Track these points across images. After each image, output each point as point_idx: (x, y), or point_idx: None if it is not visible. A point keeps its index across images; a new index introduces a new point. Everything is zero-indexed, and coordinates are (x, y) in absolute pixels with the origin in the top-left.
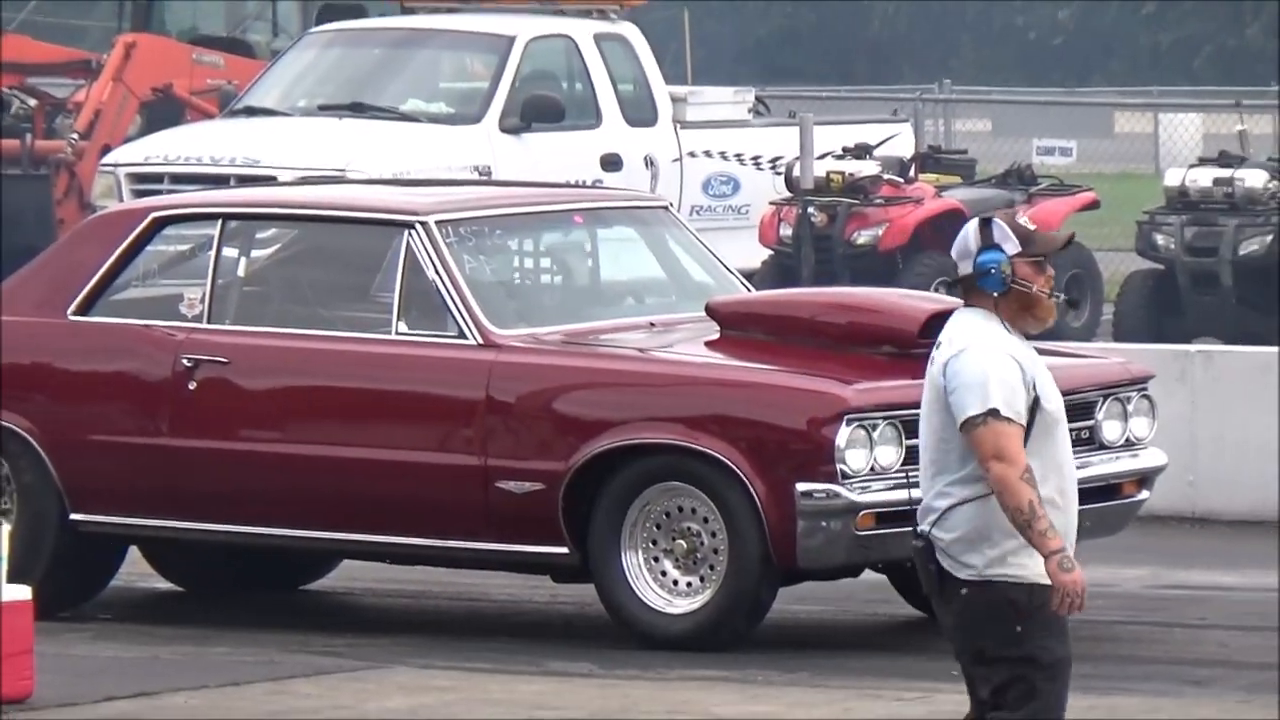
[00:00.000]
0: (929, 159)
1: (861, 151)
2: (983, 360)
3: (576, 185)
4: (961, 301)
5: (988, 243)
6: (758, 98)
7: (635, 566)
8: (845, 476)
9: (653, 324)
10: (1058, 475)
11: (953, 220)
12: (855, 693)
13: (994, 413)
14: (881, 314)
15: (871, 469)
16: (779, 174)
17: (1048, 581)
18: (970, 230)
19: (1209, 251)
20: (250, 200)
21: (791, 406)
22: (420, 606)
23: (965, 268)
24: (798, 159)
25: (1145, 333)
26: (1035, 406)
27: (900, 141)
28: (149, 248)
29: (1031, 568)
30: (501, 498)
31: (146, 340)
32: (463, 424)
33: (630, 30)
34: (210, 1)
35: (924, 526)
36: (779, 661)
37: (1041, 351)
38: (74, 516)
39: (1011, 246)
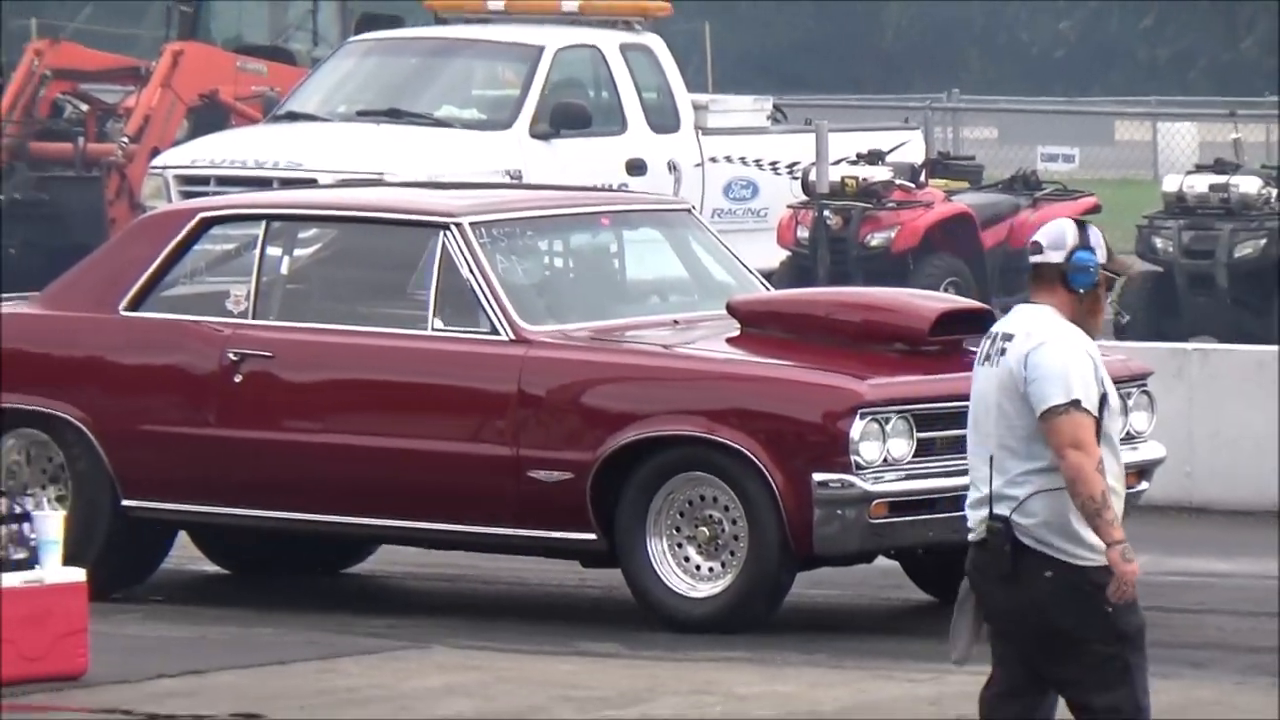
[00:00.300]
0: (938, 165)
1: (874, 158)
2: (1065, 353)
3: (603, 189)
4: (974, 302)
5: (1084, 243)
6: (776, 106)
7: (660, 552)
8: (859, 467)
9: (676, 321)
10: (1115, 464)
11: (961, 224)
12: (869, 673)
13: (1076, 403)
14: (894, 313)
15: (884, 460)
16: (796, 179)
17: None
18: (1068, 227)
19: (1205, 254)
20: (293, 202)
21: (808, 401)
22: (456, 589)
23: (1055, 257)
24: (814, 164)
25: (1145, 331)
26: (1102, 401)
27: (911, 148)
28: (196, 247)
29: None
30: (533, 486)
31: (194, 335)
32: (496, 416)
33: (654, 41)
34: (254, 11)
35: (1001, 510)
36: (797, 643)
37: None
38: (126, 503)
39: (1100, 255)
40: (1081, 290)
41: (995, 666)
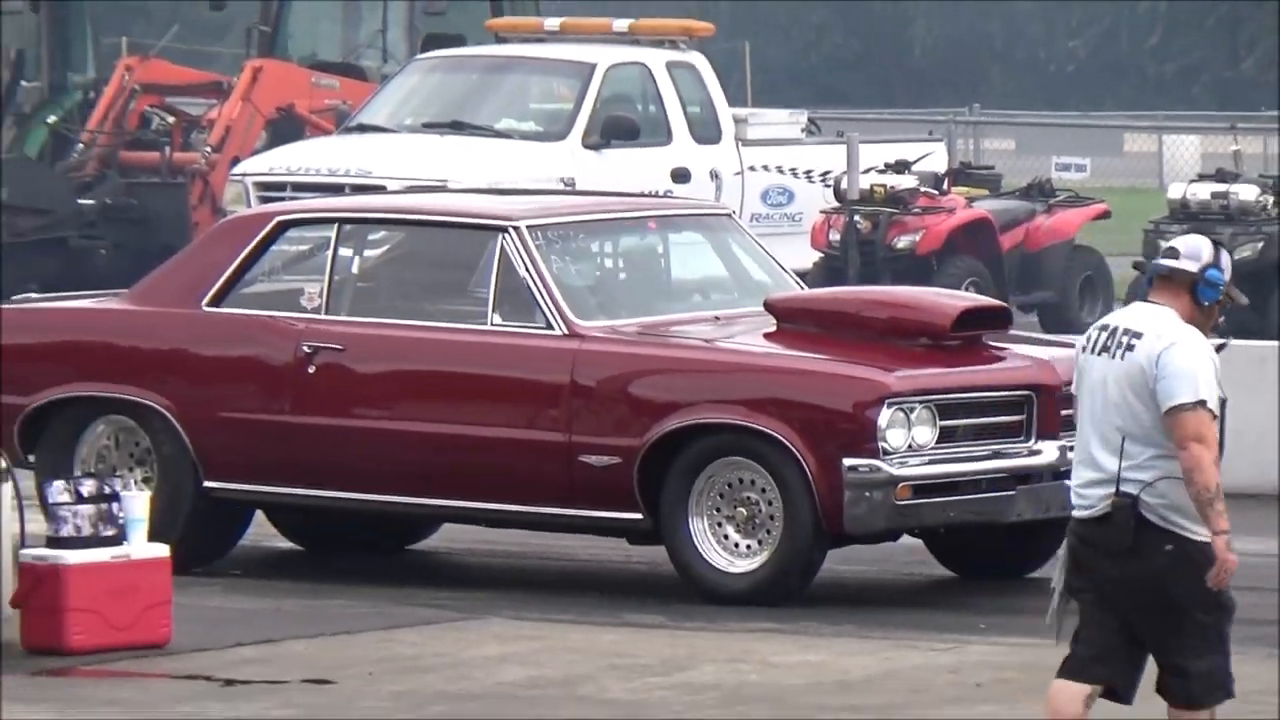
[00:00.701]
0: (960, 174)
1: (901, 167)
2: (1195, 355)
3: (650, 195)
4: (992, 300)
5: (1216, 262)
6: (810, 119)
7: (701, 531)
8: (886, 453)
9: (717, 317)
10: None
11: (981, 228)
12: (894, 643)
13: (1202, 403)
14: (918, 310)
15: (910, 446)
16: (828, 186)
17: None
18: (1205, 244)
19: None
20: (363, 206)
21: (839, 391)
22: (512, 565)
23: (1191, 266)
24: (845, 173)
25: None
26: (1222, 404)
27: (935, 158)
28: (273, 248)
29: None
30: (584, 470)
31: (271, 329)
32: (549, 405)
33: (698, 59)
34: (328, 30)
35: (1129, 490)
36: (827, 615)
37: (1059, 344)
38: (207, 484)
39: (1227, 275)
40: (1206, 303)
41: (1087, 632)
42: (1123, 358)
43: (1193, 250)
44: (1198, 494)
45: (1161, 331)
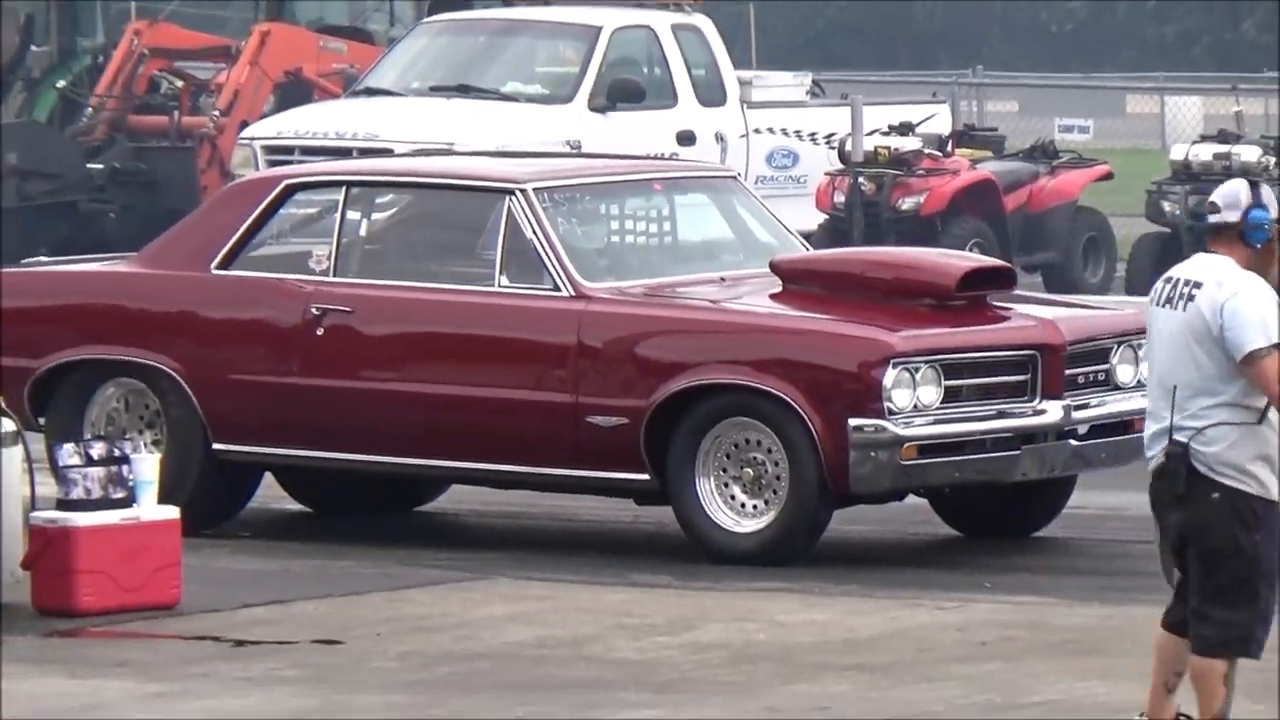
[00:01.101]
0: (964, 136)
1: (905, 129)
2: (1259, 300)
3: (656, 158)
4: (996, 261)
5: (1257, 202)
6: (814, 81)
7: (708, 491)
8: (891, 413)
9: (723, 279)
10: None
11: (985, 189)
12: (900, 602)
13: (1278, 346)
14: (923, 270)
15: (915, 406)
16: (833, 148)
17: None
18: (1242, 188)
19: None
20: (371, 170)
21: (845, 351)
22: (519, 526)
23: (1232, 216)
24: (849, 135)
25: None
26: None
27: (939, 120)
28: (282, 211)
29: (1271, 488)
30: (591, 430)
31: (279, 292)
32: (557, 366)
33: (703, 21)
34: None
35: (1180, 438)
36: (833, 575)
37: (1063, 304)
38: (216, 446)
39: (1274, 211)
40: (1258, 245)
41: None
42: (1184, 308)
43: (1231, 199)
44: None
45: (1222, 280)
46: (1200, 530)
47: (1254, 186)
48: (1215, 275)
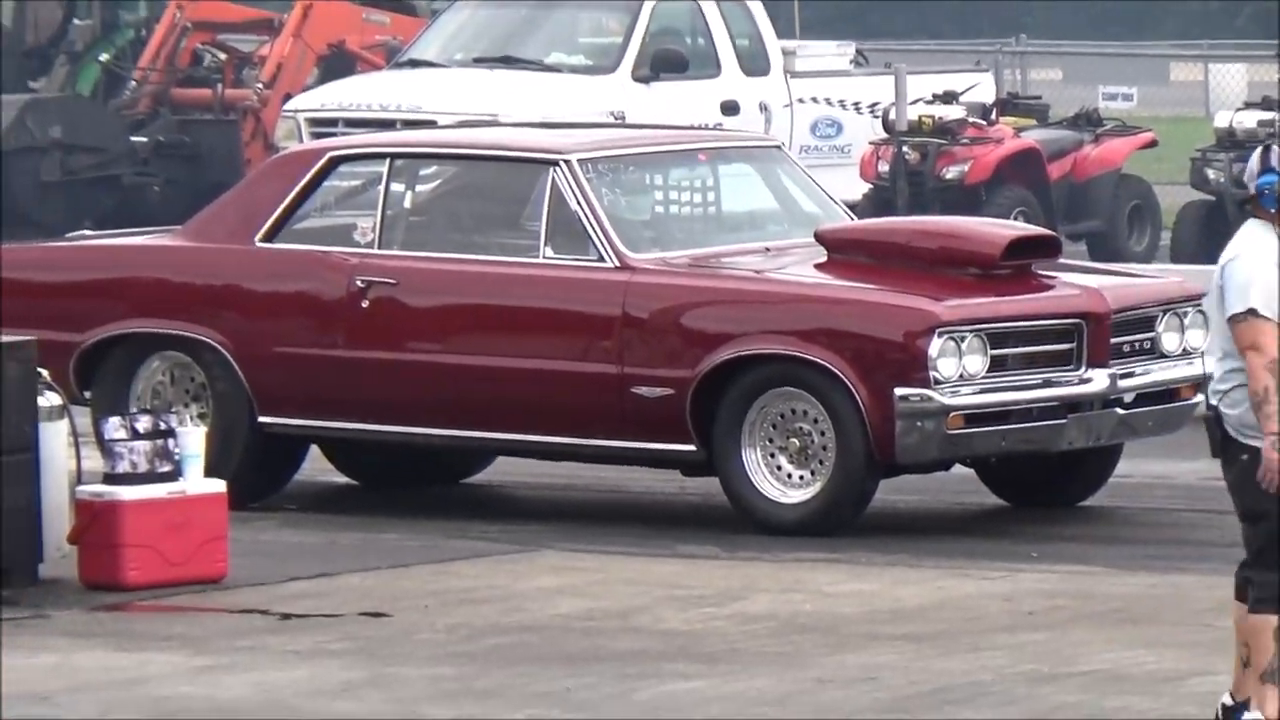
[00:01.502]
0: (1008, 104)
1: (948, 98)
2: (1249, 266)
3: (700, 128)
4: (1041, 230)
5: (1266, 166)
6: (858, 50)
7: (754, 462)
8: (937, 382)
9: (768, 249)
10: None
11: (1029, 158)
12: (947, 572)
13: (1253, 311)
14: (968, 239)
15: (960, 376)
16: (877, 118)
17: None
18: (1254, 157)
19: None
20: (415, 141)
21: (890, 321)
22: (565, 497)
23: (1250, 188)
24: (893, 104)
25: (1198, 255)
26: None
27: (982, 89)
28: (326, 183)
29: None
30: (636, 401)
31: (324, 264)
32: (602, 337)
33: None
34: None
35: (1213, 400)
36: (880, 545)
37: (1107, 273)
38: (262, 419)
39: None
40: (1274, 210)
41: None
42: (1219, 276)
43: (1249, 171)
44: (1250, 398)
45: (1232, 245)
46: (1235, 491)
47: (1265, 152)
48: (1234, 242)
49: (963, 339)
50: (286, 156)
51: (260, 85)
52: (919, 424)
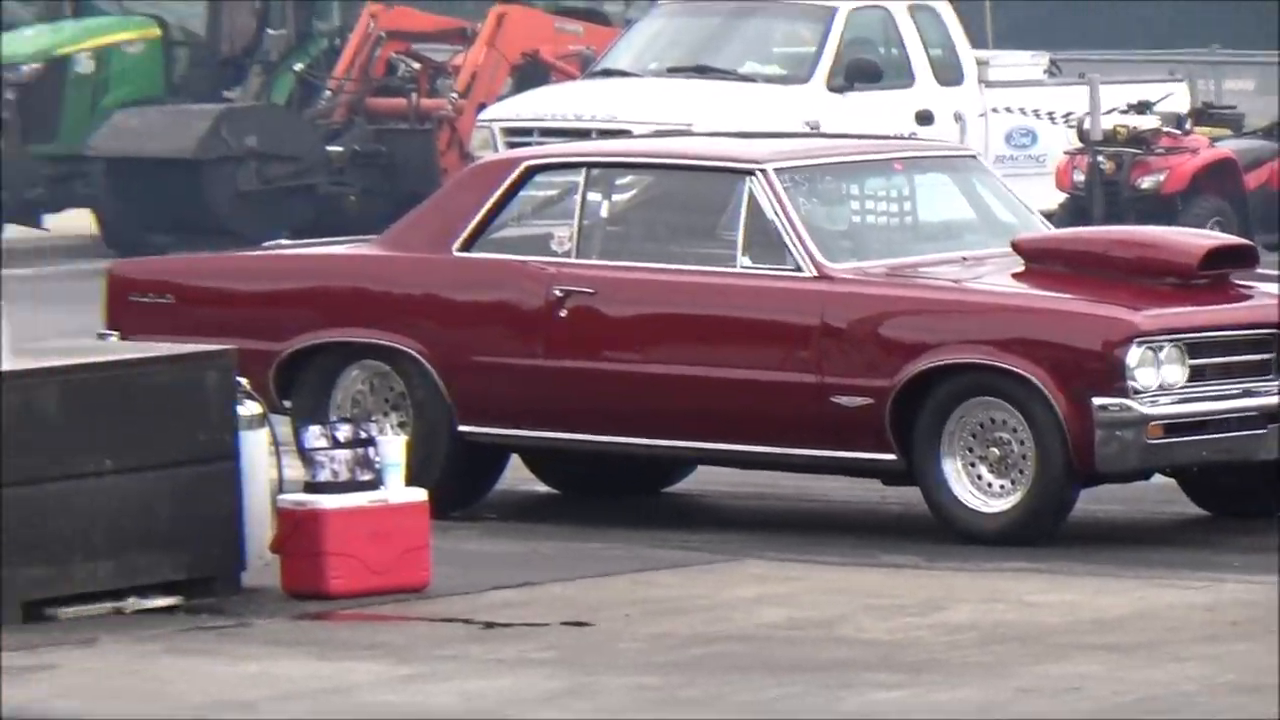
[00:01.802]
0: (1202, 114)
1: (1143, 107)
2: None
3: (895, 138)
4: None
5: None
6: (1051, 60)
7: (954, 471)
8: (1136, 392)
9: (965, 258)
10: None
11: (1225, 168)
12: (1148, 582)
13: None
14: (1165, 249)
15: (1159, 385)
16: (1071, 127)
17: None
18: None
19: None
20: (611, 151)
21: (1088, 330)
22: (766, 506)
23: None
24: (1088, 114)
25: None
26: None
27: (1177, 99)
28: (522, 193)
29: None
30: (836, 410)
31: (522, 274)
32: (800, 346)
33: (939, 2)
34: None
35: None
36: (1081, 554)
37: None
38: (462, 428)
39: None
40: None
41: None
42: None
43: None
44: None
45: None
46: None
47: None
48: None
49: (1161, 349)
50: (483, 166)
51: (455, 95)
52: (1118, 434)
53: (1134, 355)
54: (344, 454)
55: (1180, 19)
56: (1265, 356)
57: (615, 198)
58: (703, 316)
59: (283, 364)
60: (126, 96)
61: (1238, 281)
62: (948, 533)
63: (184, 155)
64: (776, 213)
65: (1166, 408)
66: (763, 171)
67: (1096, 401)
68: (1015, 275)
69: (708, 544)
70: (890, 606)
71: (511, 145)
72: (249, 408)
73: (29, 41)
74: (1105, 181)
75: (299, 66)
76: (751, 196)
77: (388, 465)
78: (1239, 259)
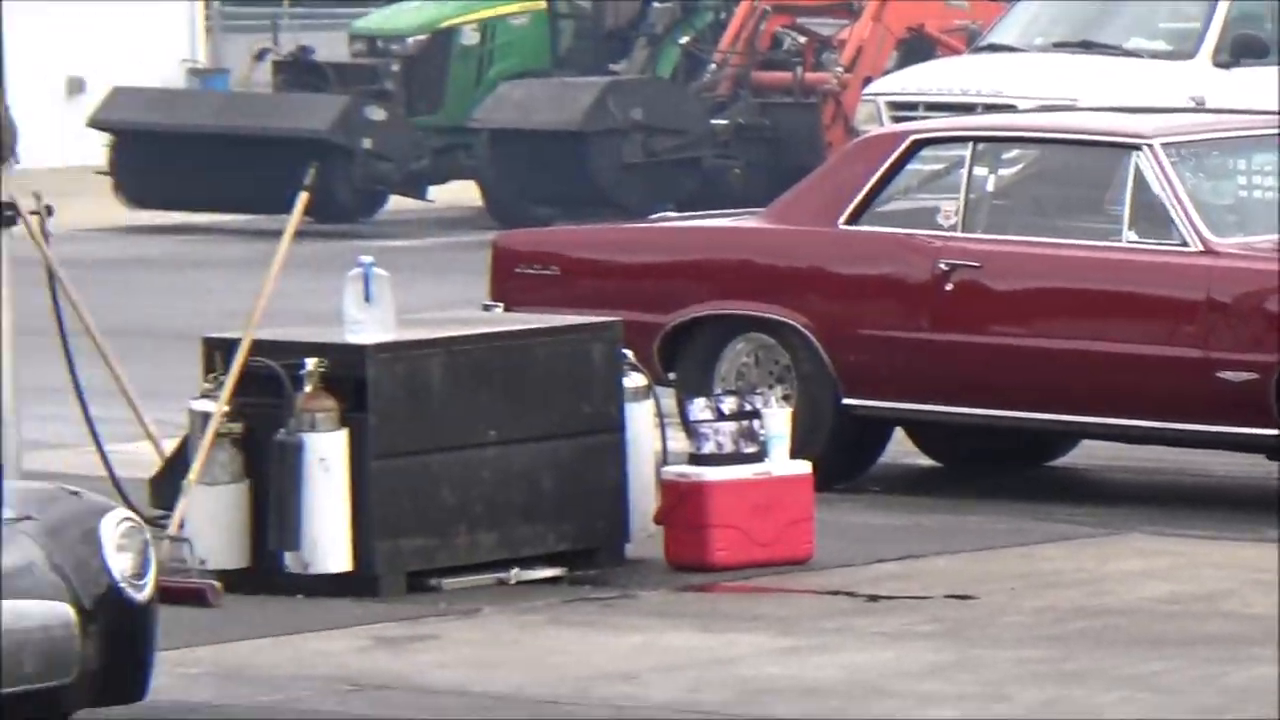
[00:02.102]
0: None
1: None
2: None
3: None
4: None
5: None
6: None
7: None
8: None
9: None
10: None
11: None
12: None
13: None
14: None
15: None
16: None
17: None
18: None
19: None
20: (996, 125)
21: None
22: (1150, 481)
23: None
24: None
25: None
26: None
27: None
28: (908, 167)
29: None
30: (1220, 386)
31: (907, 247)
32: (1186, 321)
33: None
34: None
35: None
36: None
37: None
38: (846, 401)
39: None
40: None
41: None
42: None
43: None
44: None
45: None
46: None
47: None
48: None
49: None
50: (869, 140)
51: (840, 69)
52: None
53: None
54: (729, 426)
55: None
56: None
57: (1001, 172)
58: (1088, 291)
59: (668, 336)
60: (511, 69)
61: None
62: None
63: (569, 127)
64: (1163, 187)
65: None
66: (1149, 146)
67: None
68: None
69: (1090, 518)
70: (1274, 582)
71: (896, 120)
72: (634, 380)
73: (415, 14)
74: None
75: (684, 39)
76: (1138, 171)
77: (772, 438)
78: None
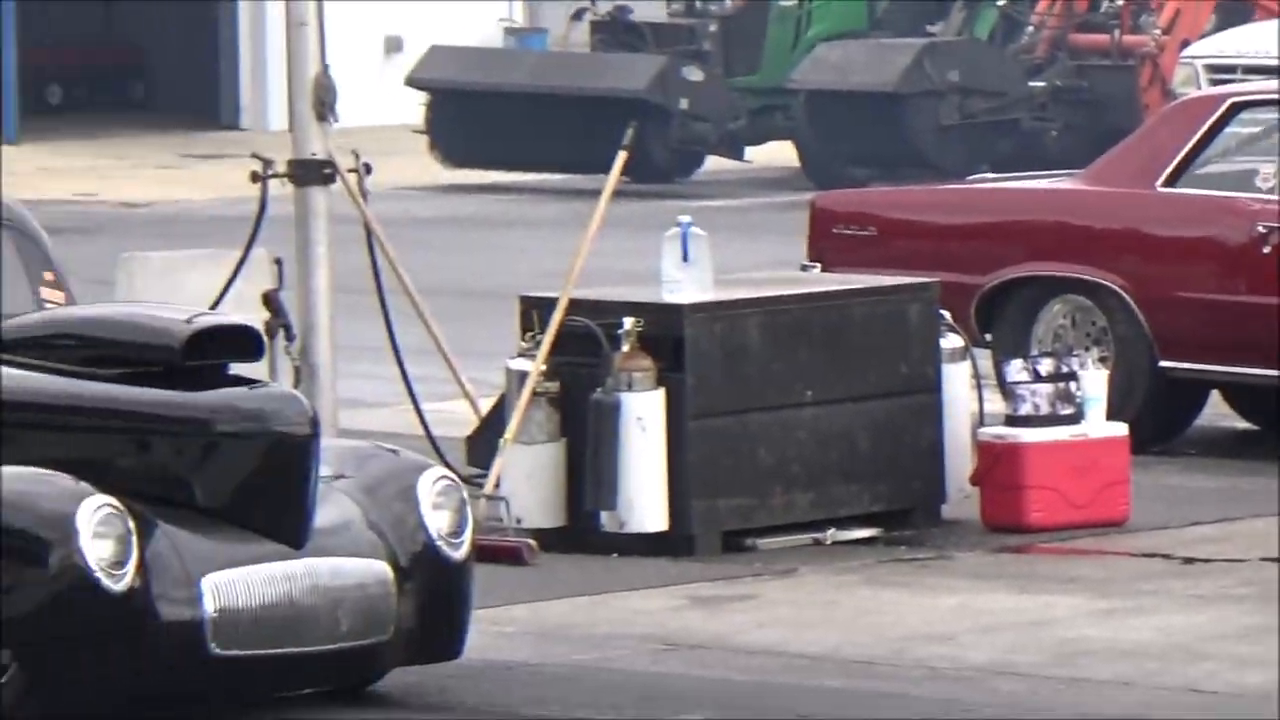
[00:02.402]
0: None
1: None
2: None
3: None
4: None
5: None
6: None
7: None
8: None
9: None
10: None
11: None
12: None
13: None
14: None
15: None
16: None
17: None
18: None
19: None
20: None
21: None
22: None
23: None
24: None
25: None
26: None
27: None
28: (1227, 129)
29: None
30: None
31: (1226, 210)
32: None
33: None
34: None
35: None
36: None
37: None
38: (1162, 363)
39: None
40: None
41: None
42: None
43: None
44: None
45: None
46: None
47: None
48: None
49: None
50: (1187, 102)
51: (1158, 31)
52: None
53: None
54: (1045, 388)
55: None
56: None
57: None
58: None
59: (985, 297)
60: (829, 31)
61: None
62: None
63: (886, 89)
64: None
65: None
66: None
67: None
68: None
69: None
70: None
71: (1214, 83)
72: (951, 340)
73: None
74: None
75: (1002, 2)
76: None
77: (1089, 400)
78: None
